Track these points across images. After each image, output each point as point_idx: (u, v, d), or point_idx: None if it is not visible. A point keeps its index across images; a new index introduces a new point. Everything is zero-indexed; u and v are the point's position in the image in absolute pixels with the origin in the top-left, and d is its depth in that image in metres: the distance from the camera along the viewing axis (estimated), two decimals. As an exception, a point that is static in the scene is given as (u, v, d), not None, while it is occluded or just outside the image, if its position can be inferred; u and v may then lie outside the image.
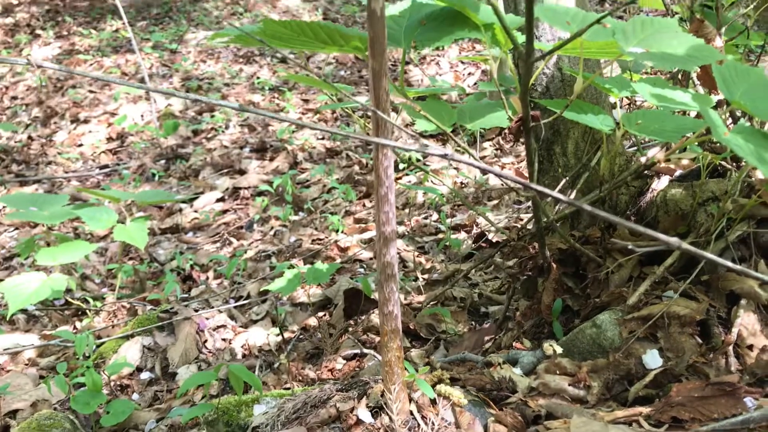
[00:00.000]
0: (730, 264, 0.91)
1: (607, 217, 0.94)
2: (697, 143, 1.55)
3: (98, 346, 2.11)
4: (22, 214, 2.37)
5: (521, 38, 1.24)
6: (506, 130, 3.10)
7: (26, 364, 2.15)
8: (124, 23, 6.73)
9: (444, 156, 1.00)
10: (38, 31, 8.23)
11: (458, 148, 1.46)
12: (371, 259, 2.74)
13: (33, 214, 2.36)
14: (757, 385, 1.21)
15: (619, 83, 1.45)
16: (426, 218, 3.12)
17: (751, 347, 1.28)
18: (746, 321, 1.32)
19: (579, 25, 1.17)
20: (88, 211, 2.42)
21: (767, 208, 1.44)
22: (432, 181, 3.30)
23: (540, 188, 0.96)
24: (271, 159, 4.36)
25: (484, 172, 3.42)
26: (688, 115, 1.57)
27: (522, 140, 1.31)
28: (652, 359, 1.30)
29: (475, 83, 4.99)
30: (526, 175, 1.64)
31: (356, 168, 4.02)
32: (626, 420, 1.17)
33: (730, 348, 1.28)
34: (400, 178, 3.71)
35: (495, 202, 3.15)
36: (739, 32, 1.68)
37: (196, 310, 2.26)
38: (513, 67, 1.37)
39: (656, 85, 1.41)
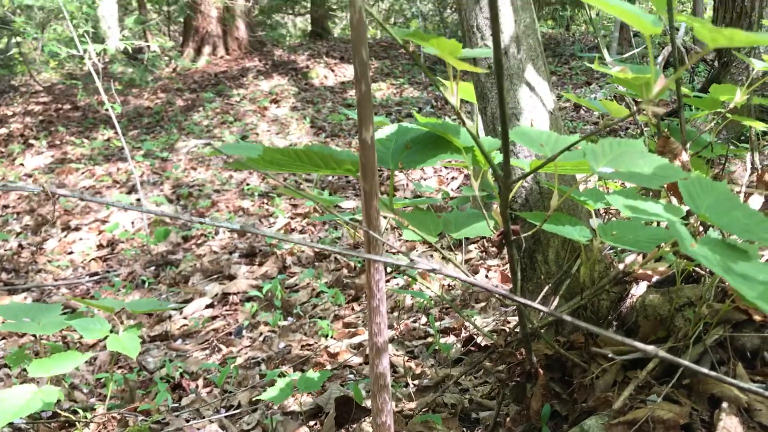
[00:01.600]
0: (705, 371, 0.97)
1: (587, 327, 1.00)
2: (671, 252, 1.63)
3: (87, 459, 2.09)
4: (15, 325, 2.39)
5: (501, 157, 1.34)
6: (490, 240, 3.20)
7: (13, 481, 2.12)
8: (116, 132, 6.93)
9: (432, 270, 1.07)
10: (31, 141, 8.42)
11: (445, 254, 1.53)
12: (361, 364, 2.76)
13: (26, 325, 2.38)
14: (743, 489, 1.24)
15: (594, 195, 1.55)
16: (415, 322, 3.16)
17: (734, 450, 1.32)
18: (728, 424, 1.36)
19: (552, 147, 1.28)
20: (81, 321, 2.44)
21: (741, 313, 1.51)
22: (420, 285, 3.36)
23: (522, 300, 1.03)
24: (260, 264, 4.41)
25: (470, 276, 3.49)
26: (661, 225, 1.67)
27: (505, 251, 1.39)
28: (640, 464, 1.33)
29: (459, 187, 5.15)
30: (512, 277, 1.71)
31: (345, 271, 4.08)
32: None
33: (715, 451, 1.31)
34: (388, 280, 3.77)
35: (482, 304, 3.20)
36: (704, 146, 1.80)
37: (188, 421, 2.25)
38: (492, 182, 1.47)
39: (629, 196, 1.50)
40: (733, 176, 3.65)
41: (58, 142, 8.28)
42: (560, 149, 1.18)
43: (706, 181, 1.33)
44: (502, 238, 1.35)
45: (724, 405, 1.39)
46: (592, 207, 1.51)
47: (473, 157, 1.33)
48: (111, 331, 2.41)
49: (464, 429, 1.97)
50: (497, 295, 3.07)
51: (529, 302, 1.03)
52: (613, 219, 2.26)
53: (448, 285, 3.53)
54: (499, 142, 1.41)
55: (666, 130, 1.73)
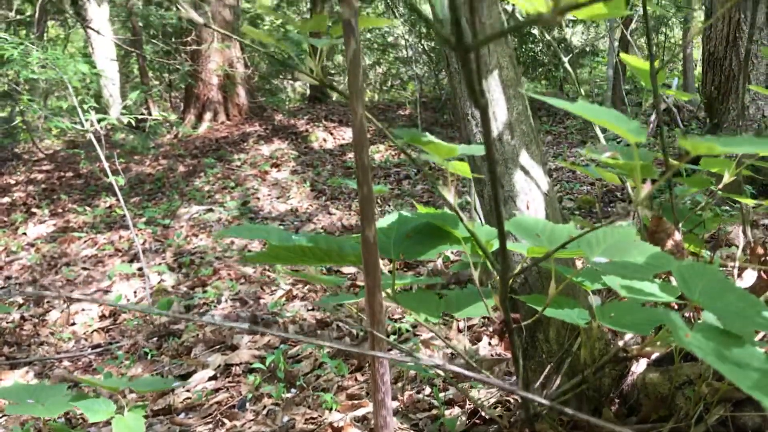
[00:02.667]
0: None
1: (586, 419, 1.03)
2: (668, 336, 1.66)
3: None
4: (20, 408, 2.40)
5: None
6: (492, 329, 3.22)
7: None
8: (118, 200, 7.01)
9: (437, 366, 1.11)
10: (34, 210, 8.50)
11: (448, 343, 1.56)
12: (366, 439, 2.75)
13: (31, 408, 2.39)
14: None
15: (591, 276, 1.59)
16: (419, 392, 3.16)
17: None
18: (733, 506, 1.37)
19: (548, 237, 1.32)
20: (86, 402, 2.45)
21: (741, 391, 1.53)
22: (422, 354, 3.37)
23: (525, 394, 1.06)
24: (263, 333, 4.41)
25: (473, 343, 3.50)
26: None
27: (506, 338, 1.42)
28: None
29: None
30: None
31: (347, 340, 4.08)
32: None
33: None
34: (391, 349, 3.77)
35: (486, 373, 3.20)
36: (696, 224, 1.85)
37: (192, 504, 2.24)
38: (492, 269, 1.51)
39: (625, 276, 1.55)
40: (729, 237, 3.70)
41: (60, 210, 8.36)
42: (556, 240, 1.22)
43: (698, 266, 1.37)
44: (503, 326, 1.38)
45: (728, 486, 1.40)
46: (589, 288, 1.55)
47: (472, 247, 1.38)
48: (117, 413, 2.42)
49: None
50: (502, 360, 3.08)
51: (530, 395, 1.06)
52: (613, 299, 2.30)
53: (451, 353, 3.54)
54: (495, 232, 1.46)
55: (658, 208, 1.78)
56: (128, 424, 2.33)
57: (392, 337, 3.73)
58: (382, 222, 1.47)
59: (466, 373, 1.11)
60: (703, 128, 6.57)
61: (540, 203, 1.75)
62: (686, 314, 1.63)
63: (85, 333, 5.00)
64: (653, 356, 1.70)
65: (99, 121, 5.76)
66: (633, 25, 9.75)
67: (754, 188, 4.52)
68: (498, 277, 1.33)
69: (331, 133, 10.69)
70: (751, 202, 1.78)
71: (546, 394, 1.72)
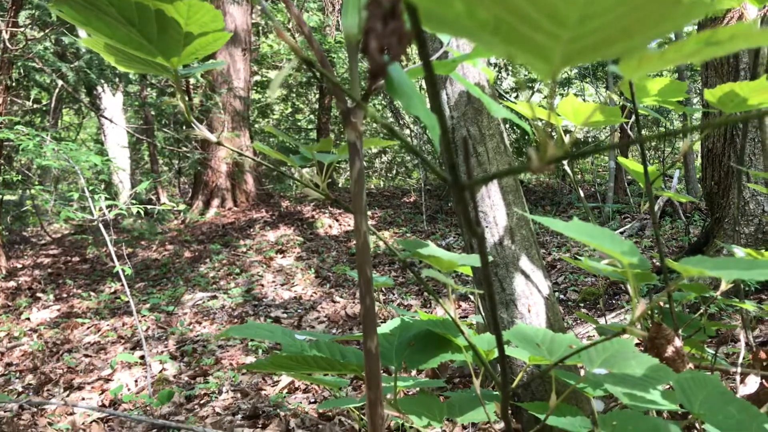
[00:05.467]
0: None
1: None
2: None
3: None
4: None
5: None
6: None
7: None
8: (123, 286, 7.04)
9: (436, 480, 1.10)
10: (39, 294, 8.52)
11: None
12: None
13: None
14: None
15: (593, 383, 1.60)
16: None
17: None
18: None
19: (548, 347, 1.34)
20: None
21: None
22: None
23: None
24: (264, 426, 4.35)
25: (477, 441, 3.44)
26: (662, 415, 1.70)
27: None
28: None
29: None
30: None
31: (349, 435, 4.01)
32: None
33: None
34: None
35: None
36: (696, 330, 1.87)
37: None
38: (492, 377, 1.52)
39: (626, 383, 1.55)
40: (734, 333, 3.68)
41: (65, 295, 8.37)
42: (557, 350, 1.24)
43: (698, 377, 1.39)
44: (504, 435, 1.38)
45: None
46: (591, 395, 1.56)
47: (473, 356, 1.39)
48: None
49: None
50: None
51: None
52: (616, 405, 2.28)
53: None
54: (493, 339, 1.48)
55: (658, 315, 1.80)
56: None
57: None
58: (385, 327, 1.49)
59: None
60: (706, 221, 6.63)
61: (541, 307, 1.78)
62: (690, 423, 1.63)
63: (83, 423, 4.92)
64: (658, 465, 1.68)
65: (108, 208, 5.87)
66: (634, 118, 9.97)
67: (758, 282, 4.52)
68: (500, 394, 1.34)
69: (337, 220, 10.80)
70: (751, 308, 1.80)
71: (550, 503, 1.69)
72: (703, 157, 5.43)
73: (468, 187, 0.73)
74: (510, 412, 1.42)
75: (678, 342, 1.69)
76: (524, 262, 1.77)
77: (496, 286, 1.85)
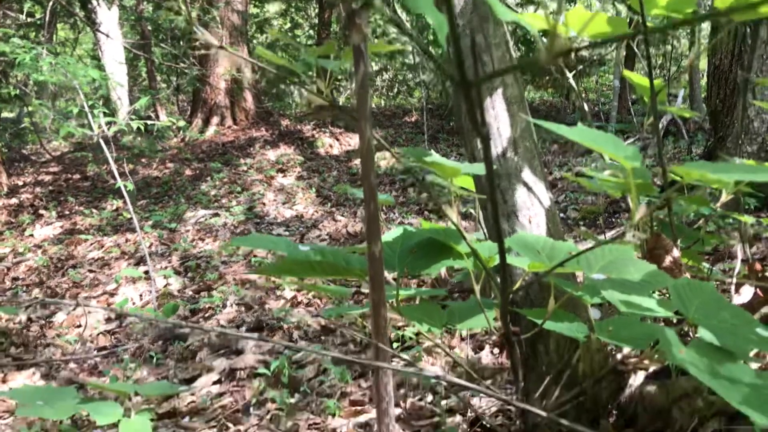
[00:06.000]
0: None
1: (583, 430, 1.07)
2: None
3: None
4: (30, 410, 2.45)
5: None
6: (493, 341, 3.26)
7: None
8: (125, 202, 7.07)
9: (437, 377, 1.15)
10: (41, 211, 8.57)
11: (451, 354, 1.60)
12: (368, 445, 2.79)
13: (41, 409, 2.43)
14: None
15: (591, 290, 1.63)
16: (421, 399, 3.20)
17: None
18: None
19: (548, 254, 1.37)
20: (94, 405, 2.50)
21: (735, 404, 1.57)
22: (425, 364, 3.41)
23: (523, 405, 1.10)
24: (271, 342, 4.46)
25: (475, 351, 3.54)
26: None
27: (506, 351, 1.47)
28: None
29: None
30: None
31: (351, 346, 4.12)
32: None
33: None
34: (394, 355, 3.80)
35: (489, 381, 3.24)
36: (694, 241, 1.89)
37: (197, 507, 2.28)
38: (493, 284, 1.56)
39: (624, 291, 1.59)
40: (732, 250, 3.73)
41: (67, 212, 8.43)
42: (556, 256, 1.26)
43: (694, 283, 1.41)
44: (504, 339, 1.43)
45: (722, 499, 1.43)
46: (589, 302, 1.59)
47: (474, 262, 1.42)
48: (124, 416, 2.47)
49: None
50: (504, 369, 3.12)
51: (529, 407, 1.10)
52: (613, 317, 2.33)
53: (454, 362, 3.58)
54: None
55: (657, 226, 1.82)
56: (135, 427, 2.38)
57: (395, 345, 3.77)
58: (387, 236, 1.51)
59: (467, 384, 1.15)
60: (709, 140, 6.60)
61: (542, 218, 1.79)
62: (684, 329, 1.67)
63: (90, 335, 5.05)
64: (651, 370, 1.74)
65: (108, 125, 5.83)
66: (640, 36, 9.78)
67: (757, 201, 4.54)
68: (499, 295, 1.38)
69: (338, 139, 10.75)
70: (749, 220, 1.82)
71: (545, 405, 1.76)
72: (709, 75, 5.36)
73: (476, 85, 0.72)
74: (509, 320, 1.46)
75: (676, 252, 1.72)
76: (527, 174, 1.78)
77: (497, 197, 1.86)
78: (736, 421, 1.55)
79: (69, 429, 2.74)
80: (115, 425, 2.67)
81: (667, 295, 1.78)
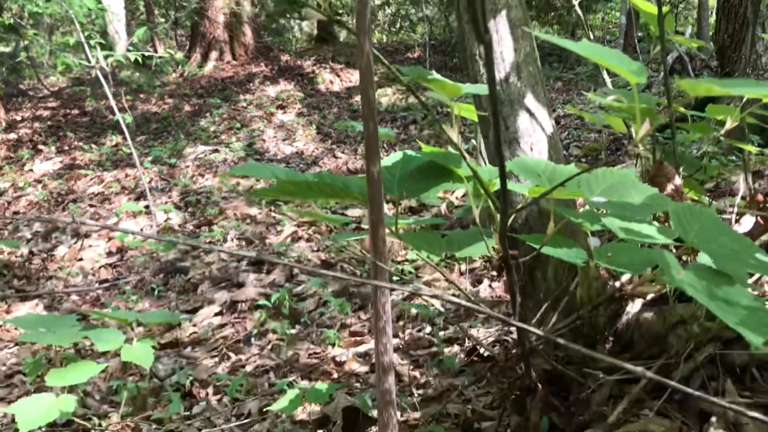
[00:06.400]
0: (689, 390, 1.04)
1: (578, 348, 1.08)
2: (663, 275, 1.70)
3: (104, 467, 2.17)
4: (33, 336, 2.48)
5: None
6: (491, 264, 3.27)
7: (33, 487, 2.20)
8: (125, 138, 7.04)
9: (435, 296, 1.15)
10: (40, 147, 8.52)
11: (448, 276, 1.61)
12: (367, 373, 2.83)
13: (43, 336, 2.46)
14: (729, 501, 1.31)
15: (591, 217, 1.62)
16: (420, 331, 3.24)
17: (722, 463, 1.39)
18: (717, 438, 1.43)
19: (549, 177, 1.35)
20: (96, 332, 2.53)
21: (731, 331, 1.58)
22: (424, 298, 3.44)
23: (520, 324, 1.10)
24: (268, 272, 4.49)
25: (474, 285, 3.57)
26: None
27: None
28: (632, 476, 1.40)
29: (463, 195, 5.22)
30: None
31: (350, 280, 4.16)
32: None
33: (703, 464, 1.39)
34: (393, 289, 3.83)
35: (484, 306, 3.27)
36: (696, 169, 1.87)
37: (199, 429, 2.33)
38: (493, 208, 1.54)
39: (624, 218, 1.58)
40: (733, 188, 3.72)
41: (66, 148, 8.38)
42: (557, 180, 1.25)
43: (694, 209, 1.40)
44: (502, 263, 1.42)
45: (713, 419, 1.46)
46: (588, 229, 1.59)
47: (474, 187, 1.41)
48: (125, 342, 2.50)
49: (467, 439, 2.04)
50: (502, 302, 3.15)
51: (526, 326, 1.10)
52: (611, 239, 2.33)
53: (452, 295, 3.61)
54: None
55: (660, 154, 1.80)
56: (137, 353, 2.41)
57: (394, 278, 3.80)
58: (387, 161, 1.50)
59: (464, 303, 1.15)
60: (715, 78, 6.49)
61: (544, 146, 1.77)
62: (683, 259, 1.67)
63: (92, 269, 5.09)
64: (648, 297, 1.75)
65: (105, 57, 5.74)
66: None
67: (762, 138, 4.50)
68: (498, 217, 1.37)
69: (338, 75, 10.60)
70: (753, 150, 1.80)
71: (542, 330, 1.77)
72: (719, 9, 5.24)
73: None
74: (507, 243, 1.45)
75: (678, 180, 1.70)
76: (529, 100, 1.75)
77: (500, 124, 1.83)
78: (730, 346, 1.57)
79: (72, 357, 2.78)
80: (117, 354, 2.71)
81: (667, 223, 1.77)
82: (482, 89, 1.29)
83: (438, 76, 1.26)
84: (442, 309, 2.02)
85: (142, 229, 5.50)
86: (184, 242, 1.10)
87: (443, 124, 1.18)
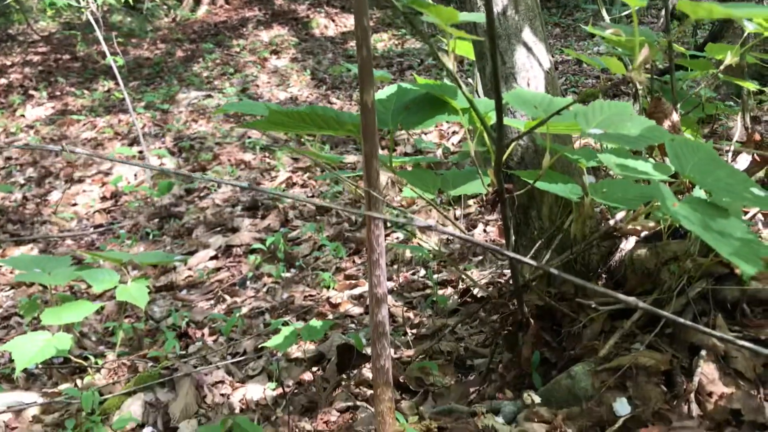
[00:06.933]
0: (682, 320, 1.05)
1: (572, 279, 1.08)
2: (658, 209, 1.70)
3: (101, 402, 2.20)
4: (27, 276, 2.48)
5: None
6: (485, 199, 3.26)
7: (31, 421, 2.23)
8: (118, 83, 6.94)
9: (428, 227, 1.14)
10: (31, 92, 8.41)
11: (442, 211, 1.60)
12: (361, 314, 2.86)
13: (38, 275, 2.47)
14: (716, 430, 1.33)
15: (587, 154, 1.61)
16: (414, 274, 3.25)
17: (710, 394, 1.41)
18: (706, 370, 1.45)
19: (545, 109, 1.33)
20: (90, 272, 2.53)
21: (724, 267, 1.59)
22: (418, 239, 3.44)
23: (514, 255, 1.10)
24: (263, 217, 4.49)
25: (468, 229, 3.57)
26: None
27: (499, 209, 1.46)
28: (622, 407, 1.42)
29: (459, 141, 5.19)
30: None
31: (346, 225, 4.16)
32: (598, 463, 1.29)
33: (692, 395, 1.41)
34: (388, 235, 3.84)
35: (480, 257, 3.29)
36: (694, 106, 1.85)
37: (195, 367, 2.36)
38: (489, 142, 1.53)
39: (620, 155, 1.57)
40: (730, 132, 3.69)
41: (58, 93, 8.27)
42: (553, 111, 1.23)
43: (691, 142, 1.39)
44: (496, 196, 1.42)
45: (703, 353, 1.47)
46: (584, 165, 1.58)
47: (470, 119, 1.39)
48: (120, 283, 2.50)
49: (459, 375, 2.07)
50: (490, 251, 3.15)
51: (519, 257, 1.10)
52: (606, 177, 2.32)
53: (447, 239, 3.62)
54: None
55: (658, 91, 1.78)
56: (132, 293, 2.42)
57: (388, 225, 3.80)
58: (381, 93, 1.47)
59: (459, 235, 1.15)
60: (714, 24, 6.40)
61: (541, 81, 1.75)
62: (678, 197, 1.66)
63: (86, 213, 5.07)
64: (642, 234, 1.75)
65: (95, 1, 5.61)
66: None
67: (759, 83, 4.45)
68: (493, 151, 1.35)
69: (333, 20, 10.42)
70: (752, 87, 1.78)
71: (534, 268, 1.78)
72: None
73: None
74: (502, 177, 1.44)
75: (675, 117, 1.69)
76: (527, 34, 1.71)
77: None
78: (722, 282, 1.58)
79: (67, 297, 2.79)
80: (114, 297, 2.73)
81: (663, 160, 1.76)
82: (478, 17, 1.26)
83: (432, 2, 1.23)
84: (436, 247, 2.03)
85: (135, 175, 5.47)
86: (184, 174, 1.09)
87: (439, 53, 1.15)
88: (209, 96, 7.47)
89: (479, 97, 2.09)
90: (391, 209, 2.63)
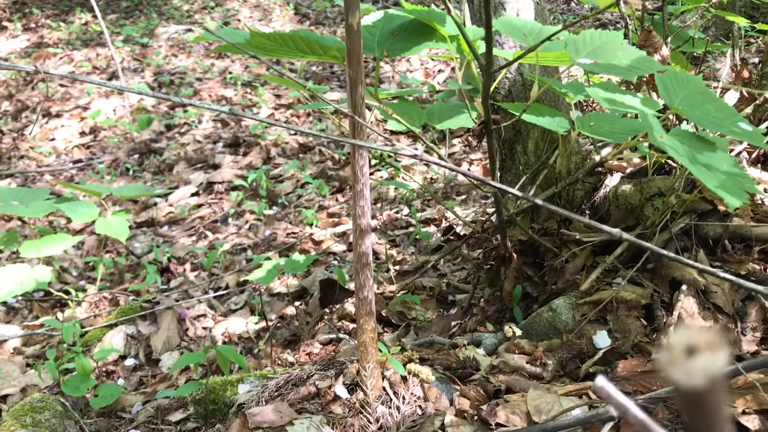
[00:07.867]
0: (664, 252, 1.05)
1: (557, 210, 1.07)
2: (645, 143, 1.69)
3: (82, 335, 2.20)
4: (4, 208, 2.44)
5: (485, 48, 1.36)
6: (471, 131, 3.23)
7: (12, 353, 2.23)
8: (95, 16, 6.74)
9: (414, 156, 1.12)
10: (5, 23, 8.15)
11: (427, 149, 1.58)
12: (344, 251, 2.85)
13: (15, 208, 2.42)
14: (693, 361, 1.35)
15: (575, 88, 1.59)
16: (397, 212, 3.25)
17: (689, 328, 1.42)
18: (686, 304, 1.46)
19: (535, 37, 1.30)
20: (69, 205, 2.49)
21: (707, 203, 1.59)
22: (403, 177, 3.42)
23: (499, 185, 1.09)
24: (245, 154, 4.44)
25: (449, 180, 3.55)
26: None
27: (485, 141, 1.44)
28: (602, 339, 1.44)
29: (445, 80, 5.12)
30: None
31: (329, 163, 4.12)
32: (577, 393, 1.30)
33: (671, 329, 1.42)
34: (372, 173, 3.82)
35: (463, 197, 3.28)
36: (684, 41, 1.82)
37: (177, 300, 2.35)
38: (476, 73, 1.50)
39: (608, 89, 1.54)
40: (717, 73, 3.67)
41: (33, 25, 8.02)
42: (543, 39, 1.20)
43: (681, 75, 1.37)
44: (483, 128, 1.39)
45: (684, 287, 1.48)
46: (572, 99, 1.55)
47: (458, 46, 1.35)
48: (99, 216, 2.47)
49: (441, 310, 2.08)
50: (476, 185, 3.15)
51: (504, 187, 1.09)
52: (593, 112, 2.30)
53: (431, 178, 3.60)
54: (483, 32, 1.42)
55: (649, 24, 1.74)
56: (112, 226, 2.39)
57: (373, 162, 3.76)
58: (368, 20, 1.43)
59: (442, 163, 1.13)
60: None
61: (530, 12, 1.71)
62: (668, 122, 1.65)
63: (65, 149, 4.98)
64: (627, 170, 1.74)
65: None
66: None
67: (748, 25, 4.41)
68: (481, 80, 1.32)
69: (317, -45, 10.13)
70: (742, 21, 1.75)
71: (519, 202, 1.77)
72: None
73: None
74: (489, 106, 1.42)
75: (665, 50, 1.66)
76: (517, -38, 1.66)
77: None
78: (705, 218, 1.58)
79: (47, 230, 2.76)
80: (94, 232, 2.69)
81: (651, 94, 1.74)
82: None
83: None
84: (420, 183, 2.01)
85: (115, 110, 5.36)
86: (165, 98, 1.05)
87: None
88: (189, 30, 7.28)
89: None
90: (376, 158, 2.60)
